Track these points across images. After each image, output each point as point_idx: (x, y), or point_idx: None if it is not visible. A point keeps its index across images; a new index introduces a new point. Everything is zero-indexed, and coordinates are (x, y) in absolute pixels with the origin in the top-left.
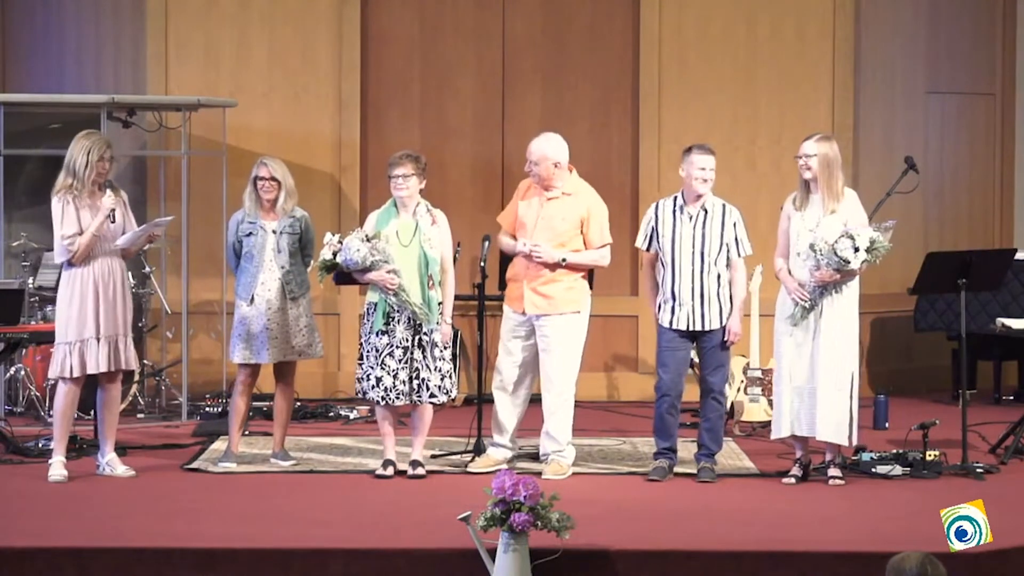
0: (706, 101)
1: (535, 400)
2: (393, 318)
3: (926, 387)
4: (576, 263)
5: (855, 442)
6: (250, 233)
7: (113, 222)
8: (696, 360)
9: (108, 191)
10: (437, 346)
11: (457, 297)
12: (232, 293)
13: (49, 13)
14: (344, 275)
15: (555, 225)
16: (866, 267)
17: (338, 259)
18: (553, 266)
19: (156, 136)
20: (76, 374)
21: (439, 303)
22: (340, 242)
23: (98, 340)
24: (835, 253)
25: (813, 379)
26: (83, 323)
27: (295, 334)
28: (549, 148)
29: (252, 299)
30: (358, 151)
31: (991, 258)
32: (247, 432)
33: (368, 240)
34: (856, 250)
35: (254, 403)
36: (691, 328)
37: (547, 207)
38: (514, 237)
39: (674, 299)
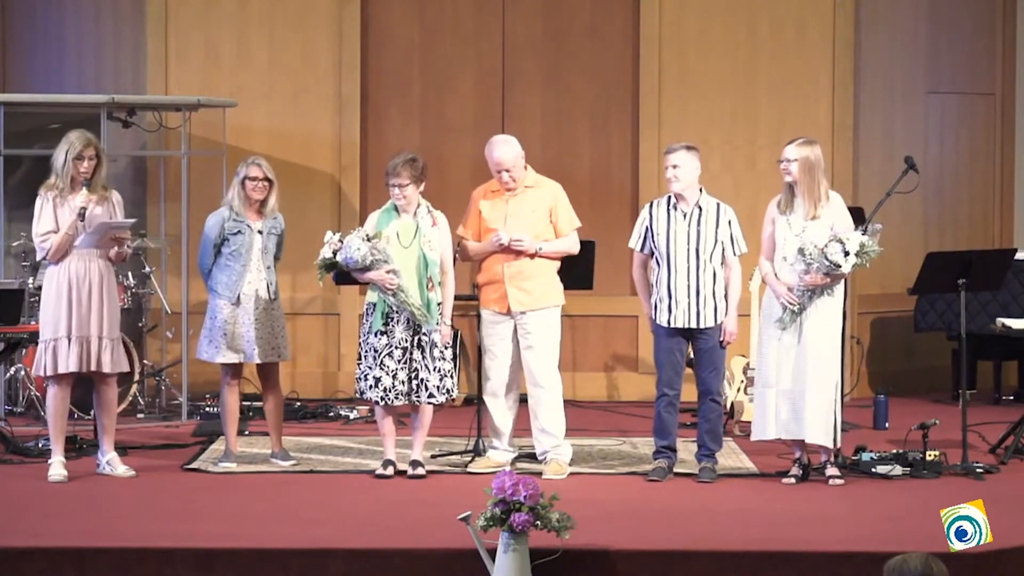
0: (706, 101)
1: (523, 399)
2: (392, 319)
3: (926, 387)
4: (551, 251)
5: (839, 444)
6: (238, 231)
7: (82, 220)
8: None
9: (83, 190)
10: (437, 346)
11: (457, 297)
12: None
13: (49, 13)
14: (343, 274)
15: (527, 218)
16: (855, 270)
17: (338, 258)
18: (531, 257)
19: (156, 136)
20: (48, 372)
21: (438, 304)
22: (340, 241)
23: (69, 340)
24: (826, 257)
25: (801, 382)
26: (56, 322)
27: (276, 334)
28: (516, 149)
29: (238, 299)
30: (358, 151)
31: (991, 258)
32: (247, 432)
33: (369, 240)
34: (847, 254)
35: (254, 403)
36: (687, 326)
37: (513, 203)
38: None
39: (670, 297)
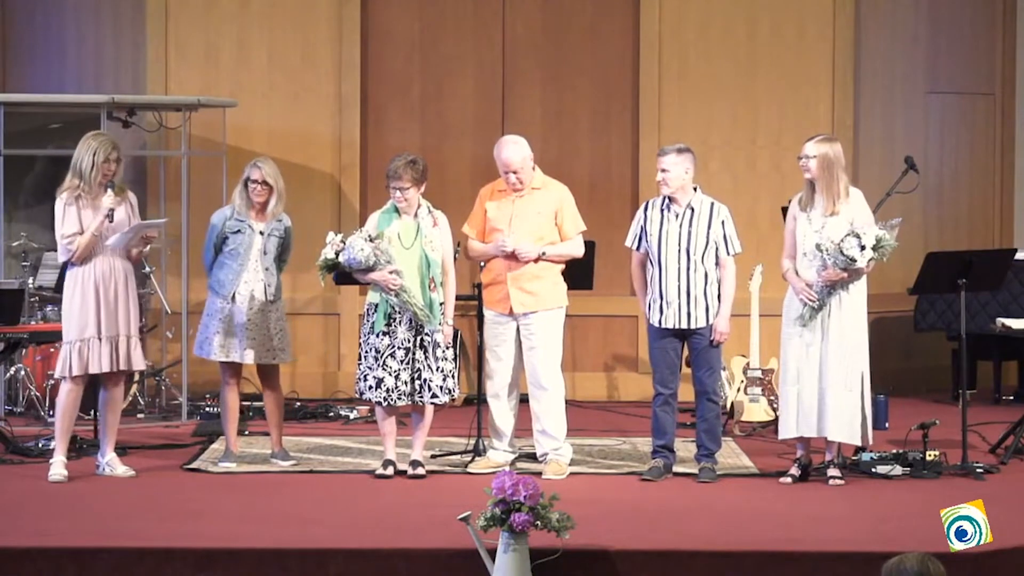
0: (706, 101)
1: (524, 399)
2: (394, 319)
3: (926, 387)
4: (554, 256)
5: (871, 441)
6: (238, 231)
7: (111, 221)
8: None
9: (108, 191)
10: (439, 346)
11: (457, 297)
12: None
13: (49, 13)
14: (344, 274)
15: (532, 220)
16: (873, 265)
17: (340, 258)
18: (535, 261)
19: (156, 136)
20: (76, 373)
21: (440, 304)
22: (342, 242)
23: (100, 340)
24: (841, 252)
25: (823, 379)
26: (84, 323)
27: (272, 336)
28: (525, 151)
29: (233, 297)
30: (358, 151)
31: (991, 258)
32: (247, 432)
33: (371, 240)
34: (862, 248)
35: (254, 403)
36: (678, 326)
37: (519, 204)
38: (484, 243)
39: (662, 298)
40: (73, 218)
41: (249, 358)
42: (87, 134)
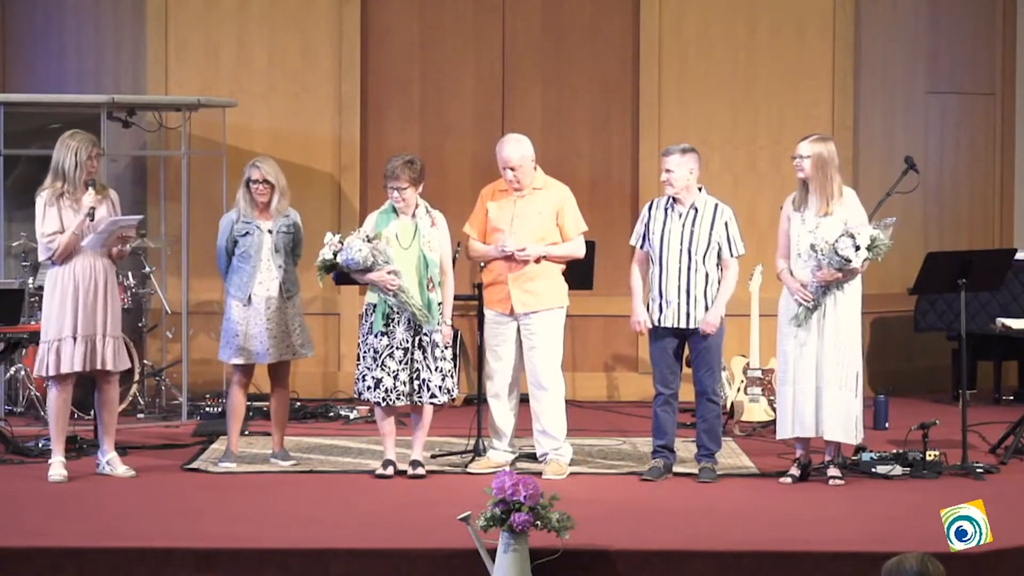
0: (706, 101)
1: (524, 399)
2: (393, 319)
3: (926, 387)
4: (555, 256)
5: (859, 440)
6: (246, 233)
7: (92, 220)
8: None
9: (90, 189)
10: (438, 346)
11: (457, 297)
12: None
13: (49, 13)
14: (344, 275)
15: (533, 220)
16: (868, 265)
17: (339, 259)
18: (536, 261)
19: (156, 136)
20: (51, 372)
21: (439, 304)
22: (341, 242)
23: (74, 339)
24: (836, 252)
25: (819, 379)
26: (61, 322)
27: (291, 333)
28: (525, 150)
29: (249, 299)
30: (358, 151)
31: (991, 258)
32: (247, 432)
33: (369, 240)
34: (857, 248)
35: (254, 403)
36: (677, 326)
37: (520, 205)
38: (485, 243)
39: (662, 297)
40: (54, 217)
41: (270, 358)
42: (63, 135)
